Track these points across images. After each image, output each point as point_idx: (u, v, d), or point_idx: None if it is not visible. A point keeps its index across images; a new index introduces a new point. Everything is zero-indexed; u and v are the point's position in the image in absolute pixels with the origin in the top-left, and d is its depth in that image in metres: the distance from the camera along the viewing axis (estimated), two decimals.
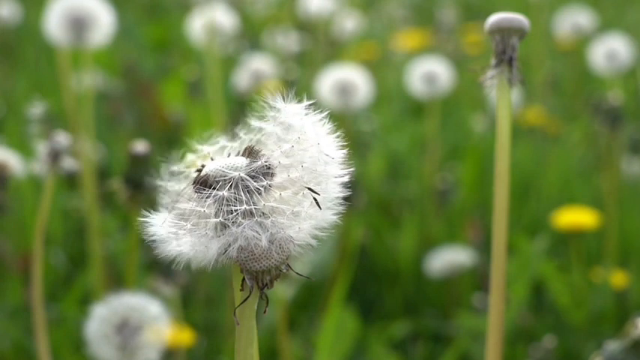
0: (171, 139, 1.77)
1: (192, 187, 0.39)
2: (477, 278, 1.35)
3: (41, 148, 0.81)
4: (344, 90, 1.48)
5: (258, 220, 0.38)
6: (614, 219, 1.36)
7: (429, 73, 1.62)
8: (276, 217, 0.38)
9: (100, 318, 0.84)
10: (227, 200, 0.38)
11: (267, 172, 0.39)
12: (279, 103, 0.40)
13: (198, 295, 1.28)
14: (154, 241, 0.39)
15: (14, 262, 1.29)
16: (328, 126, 0.40)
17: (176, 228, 0.39)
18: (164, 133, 1.84)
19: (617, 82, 1.81)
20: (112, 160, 1.63)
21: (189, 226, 0.39)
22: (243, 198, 0.38)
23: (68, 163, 0.81)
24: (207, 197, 0.38)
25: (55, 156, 0.80)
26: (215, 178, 0.39)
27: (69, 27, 1.22)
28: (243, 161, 0.39)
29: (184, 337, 1.06)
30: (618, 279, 1.27)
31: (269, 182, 0.39)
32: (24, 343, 1.16)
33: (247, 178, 0.38)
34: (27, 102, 1.66)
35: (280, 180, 0.39)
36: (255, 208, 0.38)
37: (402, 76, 1.77)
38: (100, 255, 1.17)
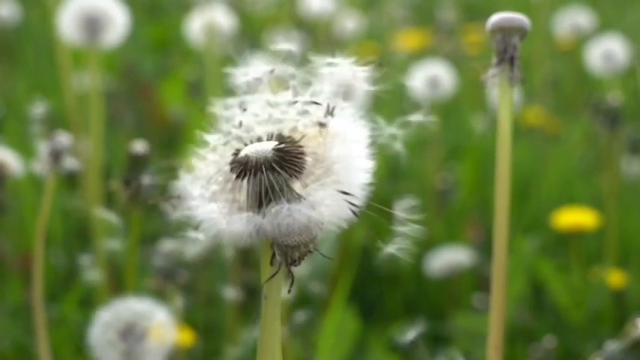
0: (171, 139, 1.77)
1: (229, 168, 0.41)
2: (477, 278, 1.35)
3: (42, 147, 0.80)
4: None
5: (296, 199, 0.40)
6: (614, 219, 1.36)
7: (433, 77, 1.61)
8: (310, 198, 0.40)
9: (104, 323, 0.84)
10: (267, 180, 0.40)
11: (302, 157, 0.41)
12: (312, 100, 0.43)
13: (198, 295, 1.28)
14: (200, 222, 0.41)
15: (14, 262, 1.30)
16: (361, 126, 0.43)
17: (217, 208, 0.41)
18: (164, 133, 1.84)
19: (616, 83, 1.81)
20: (112, 160, 1.63)
21: (229, 205, 0.41)
22: (281, 179, 0.40)
23: (69, 163, 0.81)
24: (246, 177, 0.41)
25: (56, 156, 0.80)
26: (255, 160, 0.41)
27: (83, 27, 1.21)
28: (279, 145, 0.41)
29: (184, 337, 1.06)
30: (617, 279, 1.27)
31: (303, 167, 0.41)
32: (24, 343, 1.16)
33: (284, 160, 0.41)
34: (27, 102, 1.66)
35: (313, 167, 0.41)
36: (292, 189, 0.40)
37: (402, 76, 1.77)
38: (103, 255, 1.17)
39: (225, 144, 0.43)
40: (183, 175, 0.43)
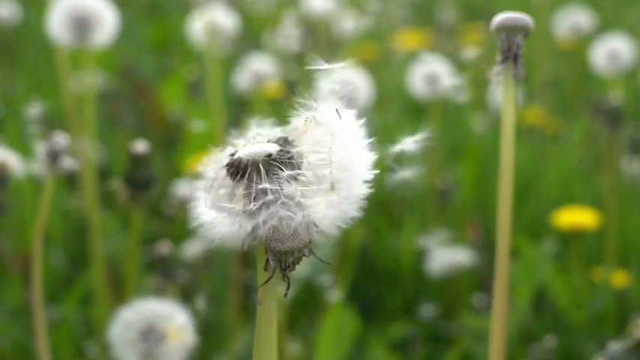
0: (171, 139, 1.77)
1: (225, 170, 0.41)
2: (477, 278, 1.35)
3: (40, 148, 0.80)
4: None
5: (289, 202, 0.39)
6: (614, 219, 1.36)
7: (431, 74, 1.61)
8: (304, 202, 0.40)
9: (125, 322, 0.83)
10: (260, 182, 0.40)
11: (298, 160, 0.40)
12: (313, 102, 0.42)
13: (198, 295, 1.28)
14: (200, 225, 0.41)
15: (14, 262, 1.29)
16: (361, 128, 0.42)
17: (214, 210, 0.40)
18: (164, 133, 1.84)
19: (617, 82, 1.81)
20: (112, 160, 1.63)
21: (225, 207, 0.40)
22: (275, 181, 0.39)
23: (68, 163, 0.81)
24: (240, 179, 0.40)
25: (54, 156, 0.80)
26: (248, 162, 0.40)
27: (72, 27, 1.21)
28: (275, 147, 0.40)
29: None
30: (618, 279, 1.27)
31: (299, 170, 0.40)
32: (24, 343, 1.16)
33: (279, 163, 0.40)
34: (26, 102, 1.66)
35: (309, 170, 0.40)
36: (286, 192, 0.39)
37: (402, 76, 1.76)
38: (101, 255, 1.17)
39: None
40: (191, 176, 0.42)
